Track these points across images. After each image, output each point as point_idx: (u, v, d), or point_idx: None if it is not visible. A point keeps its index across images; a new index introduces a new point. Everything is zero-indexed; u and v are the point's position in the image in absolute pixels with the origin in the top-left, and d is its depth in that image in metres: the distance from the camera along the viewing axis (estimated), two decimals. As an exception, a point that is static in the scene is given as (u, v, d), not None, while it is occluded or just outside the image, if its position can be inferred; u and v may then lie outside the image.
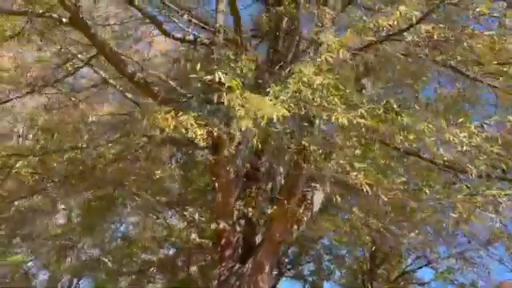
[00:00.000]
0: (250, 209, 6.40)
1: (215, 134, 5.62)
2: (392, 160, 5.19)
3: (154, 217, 13.71)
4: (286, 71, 4.98)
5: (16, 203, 18.47)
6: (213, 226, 7.57)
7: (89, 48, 6.25)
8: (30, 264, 20.74)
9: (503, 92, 6.95)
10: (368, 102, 4.93)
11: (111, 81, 8.33)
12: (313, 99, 4.44)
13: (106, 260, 14.30)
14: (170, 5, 7.73)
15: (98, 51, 5.87)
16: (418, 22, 4.72)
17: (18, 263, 20.42)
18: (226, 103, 4.04)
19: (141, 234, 14.42)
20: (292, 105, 4.44)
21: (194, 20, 7.73)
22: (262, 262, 7.21)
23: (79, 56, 6.59)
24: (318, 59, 4.15)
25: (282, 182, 8.32)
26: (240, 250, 7.72)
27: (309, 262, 19.92)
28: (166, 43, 8.32)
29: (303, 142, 5.15)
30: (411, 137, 5.75)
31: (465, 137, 6.03)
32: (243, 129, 4.75)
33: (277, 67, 6.43)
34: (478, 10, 4.73)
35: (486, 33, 4.76)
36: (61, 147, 6.87)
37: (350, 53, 4.84)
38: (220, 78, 3.77)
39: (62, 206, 16.91)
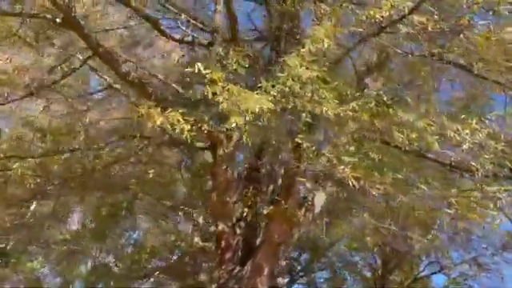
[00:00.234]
0: (246, 209, 6.23)
1: (206, 131, 5.53)
2: (387, 156, 5.00)
3: (163, 222, 13.71)
4: (279, 67, 4.87)
5: (31, 208, 18.83)
6: (212, 228, 7.48)
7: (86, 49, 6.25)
8: (43, 270, 20.92)
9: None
10: (361, 97, 4.79)
11: (116, 85, 8.37)
12: (304, 93, 4.35)
13: (115, 266, 14.32)
14: (168, 6, 7.74)
15: (92, 51, 5.89)
16: (410, 12, 4.59)
17: (32, 270, 20.66)
18: (209, 96, 3.96)
19: (150, 240, 14.40)
20: (281, 99, 4.35)
21: (192, 21, 7.71)
22: (260, 264, 7.07)
23: (79, 57, 6.59)
24: (302, 50, 4.05)
25: (284, 182, 8.19)
26: (240, 253, 7.61)
27: (321, 270, 19.63)
28: (171, 45, 8.30)
29: (297, 140, 5.03)
30: (413, 135, 5.61)
31: (467, 134, 5.85)
32: (233, 125, 4.70)
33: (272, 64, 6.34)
34: (471, -2, 4.58)
35: (481, 22, 4.60)
36: (59, 149, 6.89)
37: (339, 45, 4.74)
38: (199, 69, 3.70)
39: (74, 213, 17.08)
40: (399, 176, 4.80)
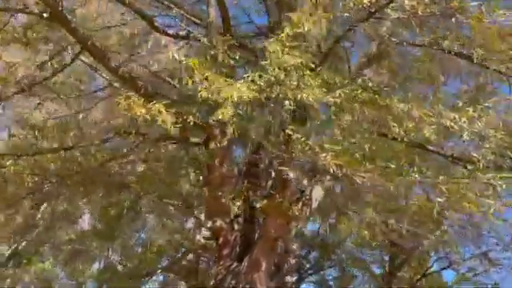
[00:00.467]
0: (239, 203, 6.13)
1: (199, 124, 5.45)
2: (379, 146, 4.86)
3: (169, 220, 13.68)
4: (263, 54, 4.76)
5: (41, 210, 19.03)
6: (208, 224, 7.41)
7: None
8: (54, 271, 21.10)
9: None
10: (349, 84, 4.66)
11: (116, 84, 8.35)
12: (289, 81, 4.24)
13: (122, 265, 14.36)
14: (162, 1, 7.69)
15: (81, 46, 5.85)
16: (398, -5, 4.44)
17: (43, 271, 20.88)
18: (188, 85, 3.87)
19: (156, 238, 14.39)
20: (266, 88, 4.25)
21: (186, 15, 7.65)
22: (258, 259, 6.97)
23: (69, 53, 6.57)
24: (282, 34, 3.94)
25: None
26: (238, 249, 7.52)
27: (330, 267, 19.46)
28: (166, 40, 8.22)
29: (287, 131, 4.92)
30: (409, 125, 5.46)
31: (465, 122, 5.68)
32: (220, 117, 4.61)
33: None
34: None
35: (473, 3, 4.43)
36: (54, 147, 6.88)
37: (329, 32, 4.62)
38: (174, 56, 3.62)
39: (84, 214, 17.19)
40: (391, 165, 4.66)
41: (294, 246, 19.79)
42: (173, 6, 7.77)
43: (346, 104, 4.28)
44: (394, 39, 6.65)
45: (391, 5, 4.70)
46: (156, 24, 7.32)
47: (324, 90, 4.30)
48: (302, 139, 4.68)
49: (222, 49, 4.90)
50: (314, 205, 7.67)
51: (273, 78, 4.25)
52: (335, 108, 4.19)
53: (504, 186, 4.34)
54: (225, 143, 6.99)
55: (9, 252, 20.67)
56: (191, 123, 4.76)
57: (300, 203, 7.62)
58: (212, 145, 6.70)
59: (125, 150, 7.85)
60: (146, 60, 7.07)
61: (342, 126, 4.65)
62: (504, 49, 7.17)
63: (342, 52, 7.85)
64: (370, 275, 16.41)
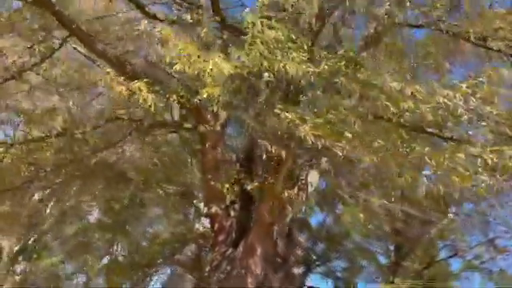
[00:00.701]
0: (227, 185, 6.04)
1: (188, 107, 5.38)
2: (368, 123, 4.71)
3: (171, 210, 13.65)
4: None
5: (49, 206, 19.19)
6: (204, 210, 7.34)
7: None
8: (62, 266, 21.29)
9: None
10: (335, 58, 4.53)
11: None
12: (270, 53, 4.12)
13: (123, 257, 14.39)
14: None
15: (67, 30, 5.79)
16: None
17: (51, 265, 21.10)
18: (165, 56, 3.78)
19: (158, 229, 14.39)
20: (247, 62, 4.15)
21: (178, 0, 7.56)
22: (253, 244, 6.88)
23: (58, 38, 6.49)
24: (257, 3, 3.83)
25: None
26: (234, 235, 7.45)
27: (337, 259, 19.36)
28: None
29: (276, 110, 4.81)
30: (405, 104, 5.31)
31: (460, 99, 5.52)
32: (204, 96, 4.52)
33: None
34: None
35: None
36: (46, 135, 6.84)
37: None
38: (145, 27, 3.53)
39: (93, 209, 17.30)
40: (380, 142, 4.52)
41: (301, 239, 19.77)
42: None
43: (330, 77, 4.15)
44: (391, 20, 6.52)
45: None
46: (146, 9, 7.24)
47: (308, 64, 4.18)
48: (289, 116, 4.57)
49: (207, 27, 4.79)
50: (310, 189, 7.56)
51: (254, 52, 4.15)
52: (319, 81, 4.06)
53: (495, 159, 4.17)
54: (217, 127, 6.92)
55: (17, 247, 20.88)
56: (175, 102, 4.66)
57: (296, 188, 7.53)
58: (204, 129, 6.61)
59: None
60: (135, 45, 6.97)
61: (329, 103, 4.52)
62: (503, 26, 7.00)
63: (337, 34, 7.73)
64: (377, 266, 16.25)
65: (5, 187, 7.63)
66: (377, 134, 4.78)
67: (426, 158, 3.93)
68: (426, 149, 4.06)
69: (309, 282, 20.38)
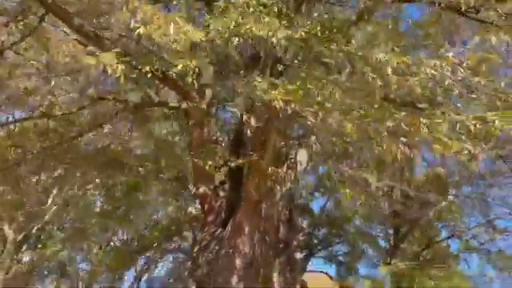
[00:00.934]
0: (215, 164, 5.93)
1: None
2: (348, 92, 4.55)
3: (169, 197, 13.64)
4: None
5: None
6: (192, 190, 7.25)
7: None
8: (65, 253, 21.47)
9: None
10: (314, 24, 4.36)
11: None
12: (244, 19, 3.97)
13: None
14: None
15: (41, 5, 5.66)
16: None
17: (55, 253, 21.30)
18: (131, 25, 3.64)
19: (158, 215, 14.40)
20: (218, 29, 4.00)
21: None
22: (241, 223, 6.79)
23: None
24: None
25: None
26: (223, 215, 7.36)
27: (338, 243, 19.36)
28: None
29: (255, 83, 4.67)
30: (392, 78, 5.16)
31: (447, 70, 5.36)
32: (179, 67, 4.40)
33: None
34: None
35: None
36: (29, 115, 6.76)
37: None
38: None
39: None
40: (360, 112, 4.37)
41: (303, 224, 19.77)
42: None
43: (306, 44, 3.99)
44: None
45: None
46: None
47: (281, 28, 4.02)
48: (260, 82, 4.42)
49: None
50: (300, 167, 7.45)
51: (225, 19, 4.00)
52: (294, 47, 3.91)
53: (478, 125, 4.02)
54: (203, 105, 6.79)
55: (21, 236, 21.03)
56: (149, 75, 4.53)
57: (285, 166, 7.42)
58: (189, 107, 6.48)
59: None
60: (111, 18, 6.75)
61: (307, 72, 4.37)
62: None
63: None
64: (376, 249, 16.19)
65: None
66: (357, 103, 4.63)
67: (403, 124, 3.77)
68: (402, 113, 3.91)
69: (311, 266, 20.49)
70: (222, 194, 7.51)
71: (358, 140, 3.91)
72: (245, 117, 5.18)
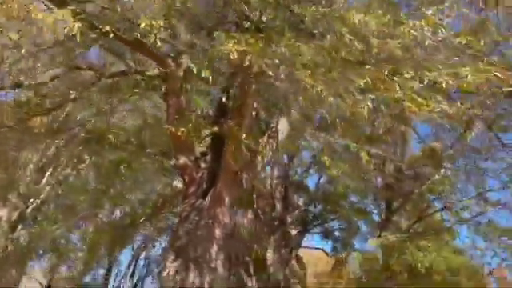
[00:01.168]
0: (183, 129, 5.76)
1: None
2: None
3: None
4: None
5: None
6: (172, 162, 7.11)
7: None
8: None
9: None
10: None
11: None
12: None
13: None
14: None
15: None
16: None
17: (51, 232, 21.35)
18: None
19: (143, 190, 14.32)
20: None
21: None
22: (220, 193, 6.68)
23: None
24: None
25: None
26: (205, 186, 7.23)
27: (334, 219, 19.37)
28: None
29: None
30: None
31: (428, 30, 5.15)
32: (142, 26, 4.20)
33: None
34: None
35: None
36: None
37: None
38: None
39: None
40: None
41: (300, 202, 19.78)
42: None
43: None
44: None
45: None
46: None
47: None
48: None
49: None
50: (281, 137, 7.29)
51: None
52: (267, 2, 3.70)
53: (451, 81, 3.83)
54: (179, 73, 6.58)
55: (15, 216, 21.05)
56: (111, 35, 4.33)
57: (266, 136, 7.27)
58: (165, 75, 6.29)
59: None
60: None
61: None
62: None
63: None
64: (370, 223, 16.17)
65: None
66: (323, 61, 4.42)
67: (369, 78, 3.59)
68: (367, 67, 3.72)
69: (308, 243, 20.59)
70: (203, 165, 7.37)
71: (326, 97, 3.71)
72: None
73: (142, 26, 4.15)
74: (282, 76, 3.51)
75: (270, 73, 3.48)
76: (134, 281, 25.68)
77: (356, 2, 7.89)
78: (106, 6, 4.42)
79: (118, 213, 17.76)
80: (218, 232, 6.53)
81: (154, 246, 23.76)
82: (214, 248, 6.45)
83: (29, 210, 20.85)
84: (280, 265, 17.22)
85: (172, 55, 6.53)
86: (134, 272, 25.78)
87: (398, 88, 3.72)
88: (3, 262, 17.97)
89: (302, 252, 19.79)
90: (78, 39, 3.91)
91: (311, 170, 18.83)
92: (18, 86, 6.72)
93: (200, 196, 7.07)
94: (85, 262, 22.29)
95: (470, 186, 13.15)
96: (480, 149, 12.55)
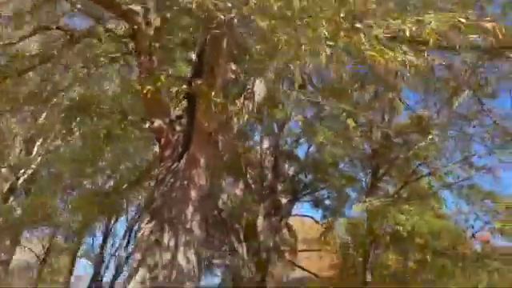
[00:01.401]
0: (149, 87, 5.62)
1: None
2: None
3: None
4: None
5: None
6: (146, 124, 7.00)
7: None
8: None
9: None
10: None
11: None
12: None
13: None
14: None
15: None
16: None
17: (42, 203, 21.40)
18: None
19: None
20: None
21: None
22: (194, 155, 6.62)
23: None
24: None
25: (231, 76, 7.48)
26: (180, 149, 7.16)
27: (323, 189, 19.43)
28: None
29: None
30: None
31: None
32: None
33: None
34: None
35: None
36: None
37: None
38: None
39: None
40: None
41: (290, 171, 19.82)
42: None
43: None
44: None
45: None
46: None
47: None
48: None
49: None
50: (258, 99, 7.18)
51: None
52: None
53: (414, 28, 3.70)
54: (150, 32, 6.41)
55: (6, 188, 21.07)
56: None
57: (242, 98, 7.15)
58: (135, 34, 6.10)
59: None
60: None
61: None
62: None
63: None
64: (358, 189, 16.23)
65: None
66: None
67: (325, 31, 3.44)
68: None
69: (298, 211, 20.77)
70: (178, 128, 7.28)
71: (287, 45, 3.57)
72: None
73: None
74: (236, 21, 3.36)
75: (222, 16, 3.34)
76: (129, 250, 26.01)
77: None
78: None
79: (102, 181, 17.79)
80: (193, 193, 6.50)
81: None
82: (190, 209, 6.43)
83: (20, 181, 20.89)
84: (270, 232, 17.44)
85: (140, 12, 6.34)
86: (128, 242, 26.05)
87: (362, 36, 3.58)
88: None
89: (292, 220, 19.99)
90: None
91: (301, 140, 18.78)
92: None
93: (176, 159, 7.00)
94: (78, 232, 22.43)
95: (455, 152, 13.19)
96: (466, 115, 12.52)
